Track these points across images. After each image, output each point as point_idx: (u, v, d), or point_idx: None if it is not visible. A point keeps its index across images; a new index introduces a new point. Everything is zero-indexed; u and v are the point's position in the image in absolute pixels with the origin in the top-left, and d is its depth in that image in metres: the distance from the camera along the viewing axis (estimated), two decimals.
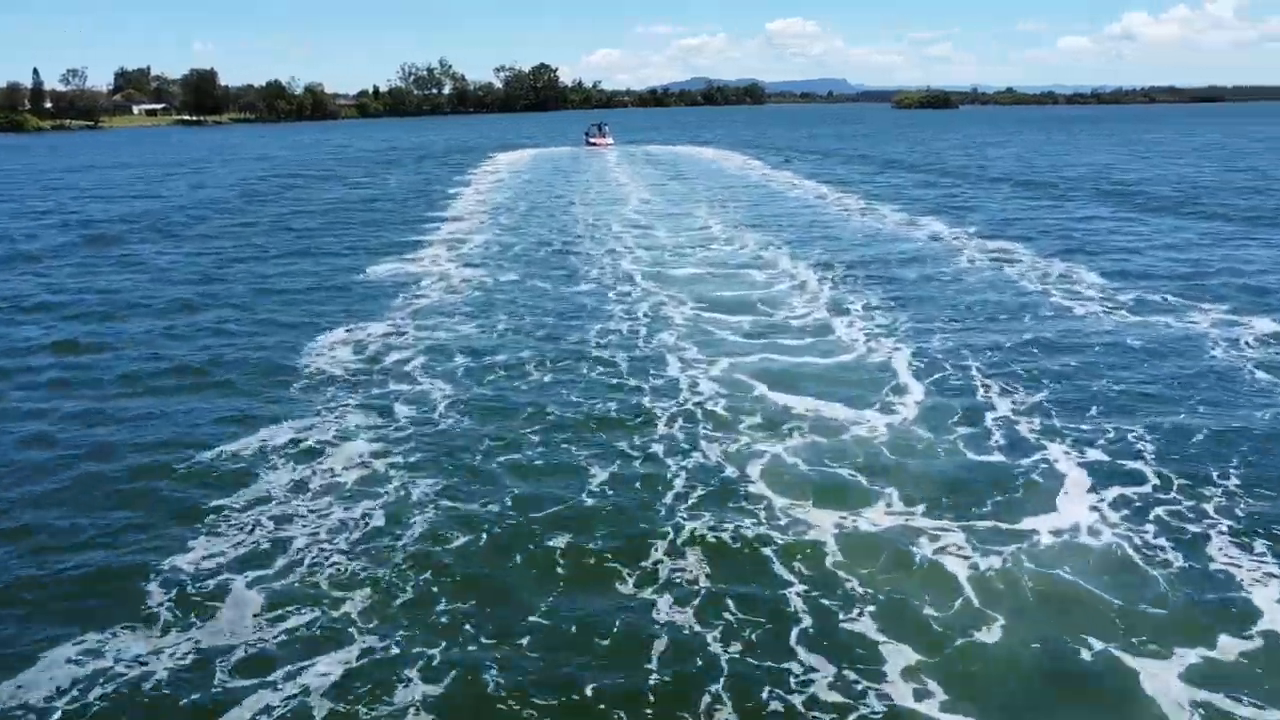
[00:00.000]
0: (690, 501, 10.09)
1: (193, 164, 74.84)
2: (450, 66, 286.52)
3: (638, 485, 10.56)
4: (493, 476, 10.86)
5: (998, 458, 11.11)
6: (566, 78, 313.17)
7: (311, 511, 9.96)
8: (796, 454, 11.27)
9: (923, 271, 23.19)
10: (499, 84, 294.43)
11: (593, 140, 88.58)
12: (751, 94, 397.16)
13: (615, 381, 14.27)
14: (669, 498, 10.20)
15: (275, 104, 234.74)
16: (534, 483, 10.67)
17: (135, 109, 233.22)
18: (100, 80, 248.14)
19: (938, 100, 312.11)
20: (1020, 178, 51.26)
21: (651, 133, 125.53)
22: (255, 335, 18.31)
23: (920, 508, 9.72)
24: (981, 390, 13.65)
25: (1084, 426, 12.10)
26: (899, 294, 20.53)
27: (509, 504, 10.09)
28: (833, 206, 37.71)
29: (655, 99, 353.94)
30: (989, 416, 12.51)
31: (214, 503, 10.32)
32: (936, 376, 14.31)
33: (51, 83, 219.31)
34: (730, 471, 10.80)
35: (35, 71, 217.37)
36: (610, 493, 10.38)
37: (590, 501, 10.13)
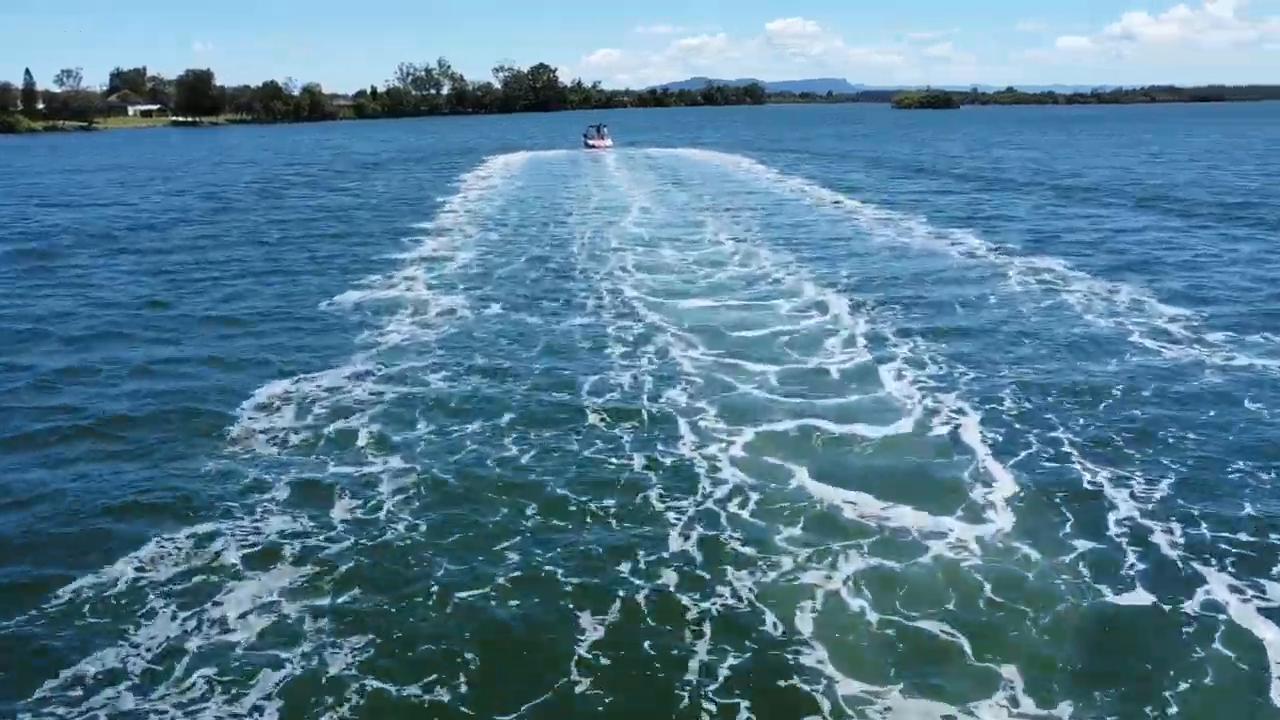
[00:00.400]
0: (718, 681, 7.06)
1: (178, 167, 71.78)
2: (449, 67, 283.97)
3: (648, 647, 7.54)
4: (445, 633, 7.83)
5: (1145, 598, 8.07)
6: (566, 78, 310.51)
7: (177, 706, 6.93)
8: (861, 593, 8.23)
9: (968, 298, 20.16)
10: (498, 84, 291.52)
11: (591, 143, 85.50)
12: (751, 94, 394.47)
13: (614, 464, 11.24)
14: (689, 676, 7.17)
15: (272, 105, 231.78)
16: (502, 646, 7.64)
17: (130, 110, 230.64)
18: (96, 81, 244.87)
19: (938, 100, 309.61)
20: (1045, 182, 48.26)
21: (651, 133, 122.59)
22: (187, 380, 15.37)
23: (1064, 705, 6.68)
24: (1086, 476, 10.62)
25: (1241, 537, 9.08)
26: (948, 329, 17.50)
27: (463, 691, 7.06)
28: (850, 217, 34.67)
29: (655, 99, 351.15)
30: (1110, 520, 9.49)
31: (42, 684, 7.27)
32: (1022, 455, 11.28)
33: (46, 83, 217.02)
34: (772, 626, 7.77)
35: (27, 71, 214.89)
36: (607, 663, 7.36)
37: (582, 688, 7.08)
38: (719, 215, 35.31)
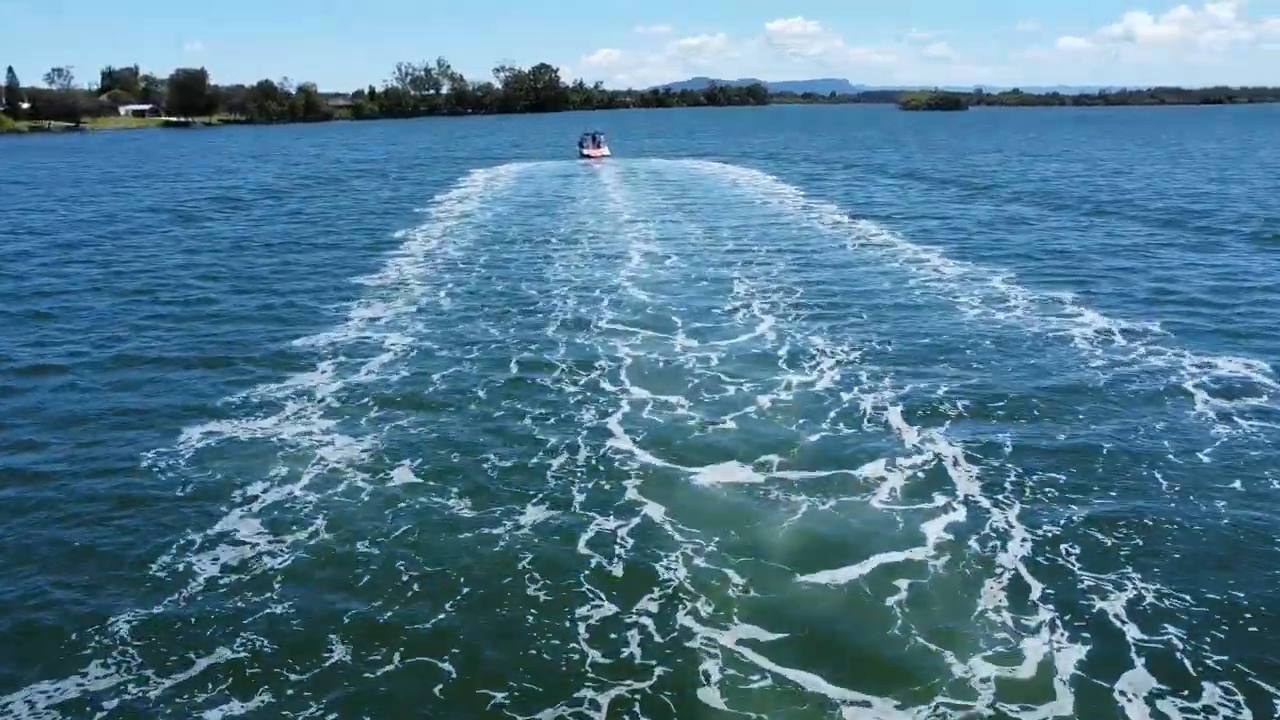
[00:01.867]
0: None
1: (135, 180, 64.21)
2: (448, 66, 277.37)
3: None
4: None
5: None
6: (567, 78, 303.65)
7: None
8: None
9: (1166, 462, 12.60)
10: (498, 84, 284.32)
11: (586, 152, 77.70)
12: (754, 94, 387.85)
13: None
14: None
15: (266, 105, 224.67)
16: None
17: (122, 110, 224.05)
18: (87, 80, 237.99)
19: (947, 102, 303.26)
20: (1113, 201, 41.16)
21: (654, 139, 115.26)
22: None
23: None
24: None
25: None
26: (1165, 539, 10.00)
27: None
28: (915, 269, 26.96)
29: (657, 99, 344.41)
30: None
31: None
32: None
33: (36, 82, 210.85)
34: None
35: (10, 70, 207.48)
36: None
37: None
38: (746, 263, 27.75)
